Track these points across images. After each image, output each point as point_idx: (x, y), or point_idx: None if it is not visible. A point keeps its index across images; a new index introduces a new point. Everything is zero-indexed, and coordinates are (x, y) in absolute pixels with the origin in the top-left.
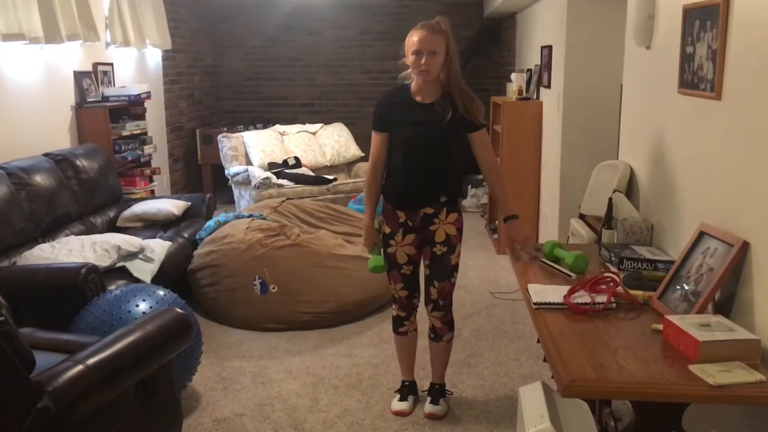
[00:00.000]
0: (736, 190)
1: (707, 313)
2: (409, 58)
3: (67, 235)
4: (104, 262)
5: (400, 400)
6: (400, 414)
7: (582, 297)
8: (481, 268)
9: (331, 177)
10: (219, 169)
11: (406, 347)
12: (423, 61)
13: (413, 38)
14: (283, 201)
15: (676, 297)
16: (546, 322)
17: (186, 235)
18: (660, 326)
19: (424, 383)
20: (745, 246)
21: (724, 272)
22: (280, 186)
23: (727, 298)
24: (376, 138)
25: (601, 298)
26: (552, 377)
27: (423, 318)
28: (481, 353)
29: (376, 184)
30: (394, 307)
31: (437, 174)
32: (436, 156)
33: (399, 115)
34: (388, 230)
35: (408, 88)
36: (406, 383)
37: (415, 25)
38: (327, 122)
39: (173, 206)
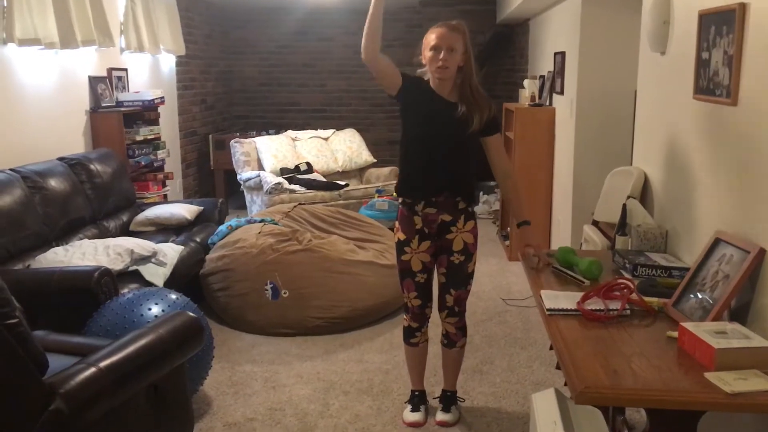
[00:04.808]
0: (752, 197)
1: (723, 321)
2: (426, 55)
3: (80, 239)
4: (117, 265)
5: (413, 411)
6: (414, 425)
7: (596, 303)
8: (493, 275)
9: (342, 183)
10: (231, 174)
11: (417, 358)
12: (441, 56)
13: (432, 35)
14: (294, 206)
15: (691, 304)
16: (559, 329)
17: (198, 240)
18: (675, 333)
19: (435, 390)
20: (762, 253)
21: (740, 279)
22: (292, 191)
23: (743, 306)
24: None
25: (615, 305)
26: (565, 384)
27: (434, 324)
28: (493, 360)
29: None
30: (405, 317)
31: (451, 168)
32: (452, 150)
33: (419, 100)
34: (403, 237)
35: (428, 83)
36: (416, 393)
37: (434, 25)
38: (339, 128)
39: (186, 211)
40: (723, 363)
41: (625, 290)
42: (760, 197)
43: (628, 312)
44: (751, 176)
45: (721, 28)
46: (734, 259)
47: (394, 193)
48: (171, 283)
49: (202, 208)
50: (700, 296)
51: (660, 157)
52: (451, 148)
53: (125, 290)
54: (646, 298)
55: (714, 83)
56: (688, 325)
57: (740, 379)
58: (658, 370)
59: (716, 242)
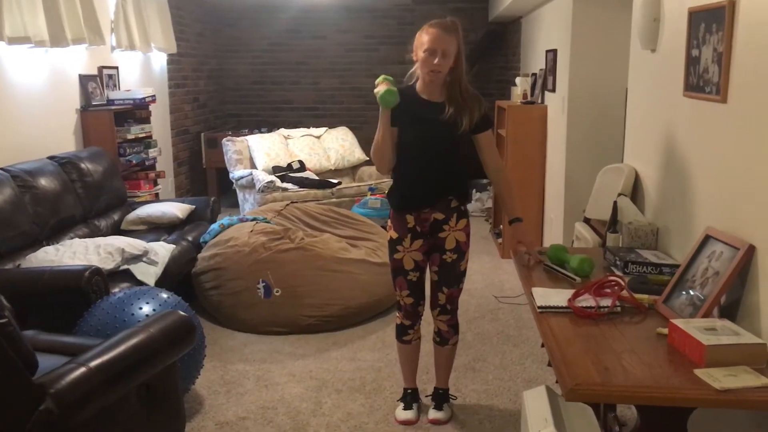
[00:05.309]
0: (742, 194)
1: (713, 317)
2: (419, 56)
3: (71, 238)
4: (108, 264)
5: (405, 408)
6: (406, 423)
7: (587, 301)
8: (486, 272)
9: (335, 181)
10: (223, 172)
11: (409, 355)
12: (436, 61)
13: (426, 36)
14: (287, 204)
15: (681, 301)
16: (550, 326)
17: (190, 239)
18: (665, 330)
19: (427, 387)
20: (751, 250)
21: (729, 276)
22: (285, 189)
23: (733, 302)
24: None
25: (606, 302)
26: (556, 382)
27: (426, 322)
28: (485, 357)
29: None
30: (398, 315)
31: (444, 172)
32: (443, 153)
33: (405, 112)
34: (395, 235)
35: (413, 87)
36: (409, 391)
37: (427, 23)
38: (331, 126)
39: (177, 209)
40: (713, 359)
41: (616, 287)
42: (749, 194)
43: (619, 309)
44: (740, 173)
45: (710, 26)
46: (724, 256)
47: (385, 192)
48: (162, 282)
49: (194, 206)
50: (690, 293)
51: (651, 154)
52: (442, 149)
53: (116, 289)
54: (637, 295)
55: (704, 80)
56: (678, 322)
57: (730, 375)
58: (649, 367)
59: (706, 239)
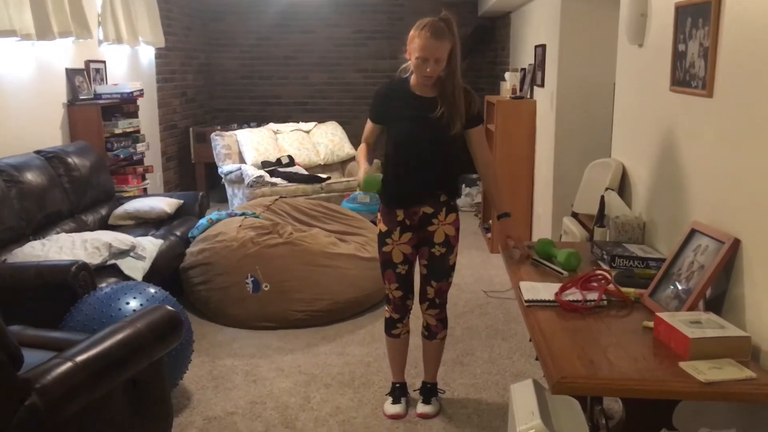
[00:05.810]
0: (727, 188)
1: (698, 311)
2: (413, 60)
3: (58, 233)
4: (95, 259)
5: (393, 402)
6: (395, 417)
7: (573, 294)
8: (475, 267)
9: (324, 176)
10: (212, 167)
11: (398, 349)
12: (428, 69)
13: (419, 41)
14: (276, 199)
15: (667, 294)
16: (537, 320)
17: (178, 233)
18: (651, 323)
19: (416, 382)
20: (736, 243)
21: (715, 269)
22: (274, 184)
23: (718, 296)
24: (369, 125)
25: (593, 296)
26: (544, 376)
27: (415, 316)
28: (474, 352)
29: (368, 147)
30: (387, 308)
31: (435, 169)
32: (434, 151)
33: (397, 108)
34: (384, 228)
35: (407, 81)
36: (398, 385)
37: (421, 21)
38: (321, 121)
39: (166, 204)
40: (698, 352)
41: (603, 281)
42: (735, 188)
43: (605, 303)
44: (726, 167)
45: (697, 21)
46: (709, 250)
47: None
48: (150, 277)
49: (182, 201)
50: (676, 287)
51: (638, 148)
52: (433, 146)
53: (103, 284)
54: (623, 289)
55: (690, 75)
56: (664, 315)
57: (714, 368)
58: (634, 360)
59: (692, 233)
